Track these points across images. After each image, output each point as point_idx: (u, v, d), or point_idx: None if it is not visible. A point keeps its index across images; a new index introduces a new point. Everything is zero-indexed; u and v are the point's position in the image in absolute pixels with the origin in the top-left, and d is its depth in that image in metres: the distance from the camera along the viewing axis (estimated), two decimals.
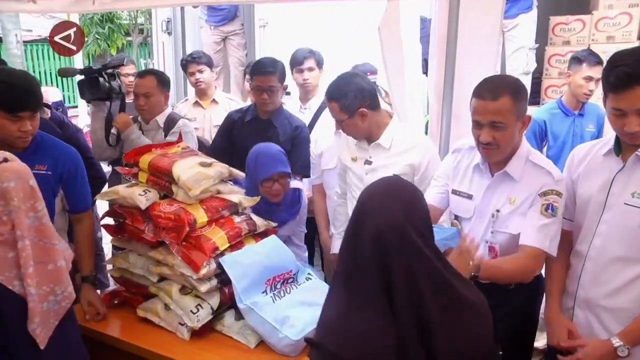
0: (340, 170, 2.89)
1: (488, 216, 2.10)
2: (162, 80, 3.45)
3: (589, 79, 3.54)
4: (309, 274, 2.38)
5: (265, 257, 2.26)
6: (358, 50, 4.12)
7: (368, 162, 2.65)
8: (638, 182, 1.85)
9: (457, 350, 1.29)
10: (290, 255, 2.34)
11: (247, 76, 3.24)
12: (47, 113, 3.28)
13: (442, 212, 2.33)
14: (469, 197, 2.16)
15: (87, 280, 2.41)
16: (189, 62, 4.19)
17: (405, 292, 1.26)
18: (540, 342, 2.52)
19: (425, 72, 3.96)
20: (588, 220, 1.98)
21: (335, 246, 2.92)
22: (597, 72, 3.49)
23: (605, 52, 4.28)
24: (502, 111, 1.93)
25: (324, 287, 2.33)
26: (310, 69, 3.59)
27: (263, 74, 3.14)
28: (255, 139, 2.90)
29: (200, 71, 4.15)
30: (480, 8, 2.70)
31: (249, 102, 3.94)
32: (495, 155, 2.03)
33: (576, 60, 3.62)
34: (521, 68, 4.59)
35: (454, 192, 2.23)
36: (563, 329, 2.01)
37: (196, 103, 4.23)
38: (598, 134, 3.74)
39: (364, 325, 1.27)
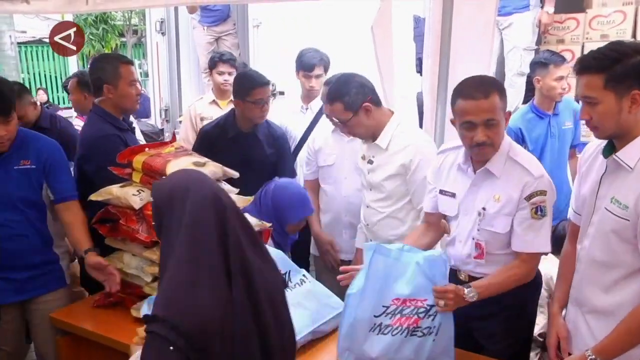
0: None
1: (474, 214, 2.11)
2: (81, 82, 4.07)
3: (560, 78, 3.54)
4: (303, 275, 2.34)
5: None
6: (351, 49, 4.11)
7: (370, 162, 2.67)
8: (617, 187, 1.82)
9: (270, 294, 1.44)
10: (281, 255, 2.31)
11: (232, 97, 3.21)
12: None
13: (439, 216, 2.30)
14: (452, 195, 2.17)
15: (90, 250, 2.40)
16: (223, 62, 4.17)
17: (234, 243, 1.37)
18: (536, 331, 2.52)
19: (420, 71, 3.97)
20: (583, 220, 1.97)
21: (360, 239, 2.92)
22: (564, 70, 3.52)
23: None
24: (494, 108, 1.97)
25: (319, 290, 2.33)
26: (318, 76, 3.52)
27: (261, 85, 3.11)
28: (243, 156, 2.95)
29: (230, 73, 4.14)
30: (473, 5, 2.70)
31: None
32: (490, 153, 2.04)
33: (540, 64, 3.59)
34: (515, 69, 4.52)
35: (441, 192, 2.23)
36: (554, 333, 2.02)
37: (213, 102, 4.20)
38: (575, 130, 3.73)
39: (204, 297, 1.32)
